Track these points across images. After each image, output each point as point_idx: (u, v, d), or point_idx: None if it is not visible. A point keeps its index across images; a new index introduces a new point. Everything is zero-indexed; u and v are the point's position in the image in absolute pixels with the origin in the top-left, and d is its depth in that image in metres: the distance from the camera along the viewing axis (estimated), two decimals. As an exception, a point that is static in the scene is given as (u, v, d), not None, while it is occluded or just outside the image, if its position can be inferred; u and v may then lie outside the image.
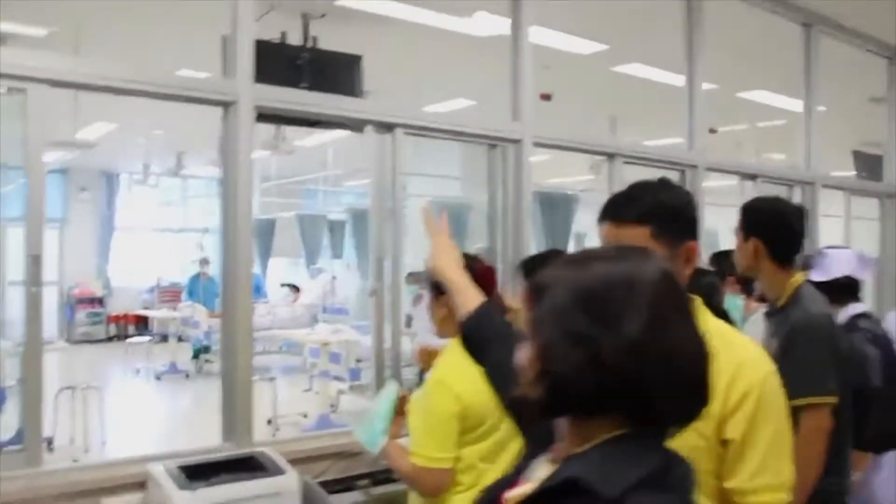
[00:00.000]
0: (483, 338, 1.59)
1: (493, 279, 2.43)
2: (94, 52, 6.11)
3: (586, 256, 1.12)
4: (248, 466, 2.61)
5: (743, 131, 9.38)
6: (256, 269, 12.82)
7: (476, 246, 8.42)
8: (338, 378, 7.73)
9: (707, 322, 1.40)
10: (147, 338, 11.53)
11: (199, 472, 2.50)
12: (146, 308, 13.95)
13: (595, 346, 0.99)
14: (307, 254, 13.31)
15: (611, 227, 1.58)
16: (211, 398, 9.88)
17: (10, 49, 2.45)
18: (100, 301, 14.22)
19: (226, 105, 2.85)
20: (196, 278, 12.13)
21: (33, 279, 2.48)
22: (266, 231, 14.20)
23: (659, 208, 1.57)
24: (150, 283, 14.63)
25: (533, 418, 1.15)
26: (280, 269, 14.28)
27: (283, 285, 13.67)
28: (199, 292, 11.82)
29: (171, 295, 14.20)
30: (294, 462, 2.70)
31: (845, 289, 2.91)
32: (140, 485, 2.58)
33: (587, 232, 12.21)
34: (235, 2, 2.87)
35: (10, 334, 6.64)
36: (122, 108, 7.83)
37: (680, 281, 1.11)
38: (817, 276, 2.86)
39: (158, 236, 15.70)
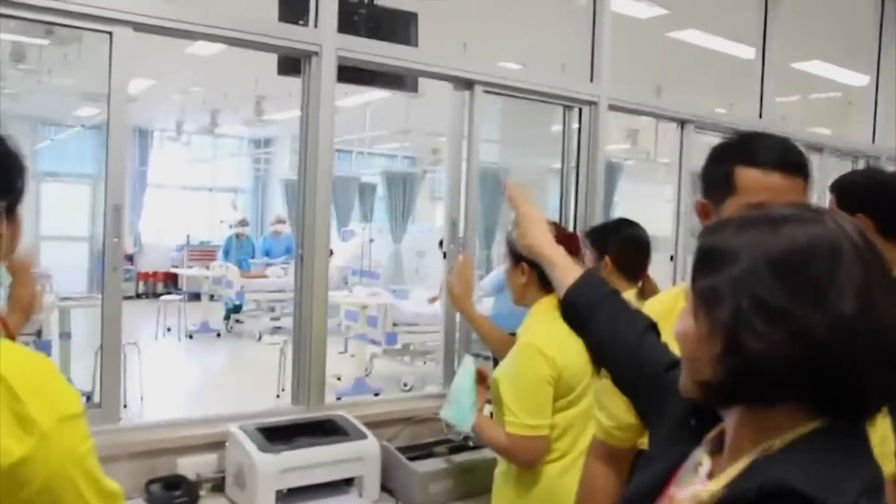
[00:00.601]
0: (588, 307, 1.46)
1: (578, 245, 2.35)
2: None
3: (773, 217, 0.94)
4: (324, 430, 2.54)
5: (791, 104, 9.15)
6: (287, 230, 12.80)
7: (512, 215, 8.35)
8: (373, 342, 7.69)
9: None
10: (179, 296, 11.56)
11: (278, 434, 2.43)
12: (174, 266, 13.98)
13: (799, 323, 0.85)
14: (339, 216, 13.27)
15: (782, 177, 1.41)
16: (243, 358, 9.96)
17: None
18: (130, 258, 14.24)
19: (308, 56, 2.74)
20: (232, 238, 12.15)
21: (114, 230, 2.40)
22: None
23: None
24: (180, 241, 14.64)
25: (712, 403, 1.02)
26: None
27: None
28: (233, 252, 11.84)
29: (200, 253, 14.23)
30: (366, 426, 2.63)
31: None
32: (214, 445, 2.52)
33: (619, 201, 12.14)
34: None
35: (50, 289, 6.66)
36: (160, 65, 7.73)
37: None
38: None
39: (189, 194, 15.69)
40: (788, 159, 1.33)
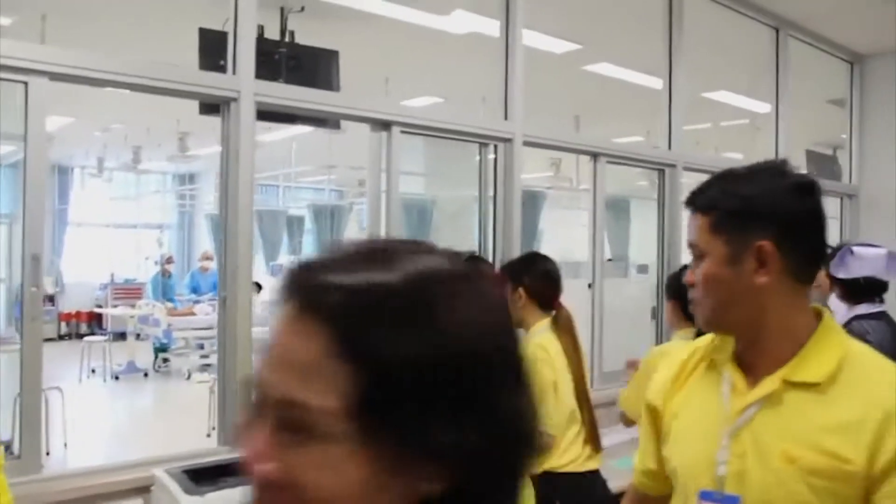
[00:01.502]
0: None
1: (503, 285, 2.46)
2: (57, 41, 5.97)
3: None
4: (252, 469, 2.57)
5: (703, 131, 9.54)
6: (214, 266, 12.67)
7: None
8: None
9: (844, 345, 1.30)
10: (103, 336, 11.30)
11: (204, 476, 2.45)
12: (98, 306, 13.66)
13: None
14: (266, 250, 13.19)
15: (691, 216, 1.44)
16: (172, 397, 9.77)
17: (12, 41, 2.36)
18: (51, 299, 13.84)
19: (227, 101, 2.80)
20: (158, 276, 11.96)
21: (33, 278, 2.41)
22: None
23: None
24: (104, 279, 14.32)
25: None
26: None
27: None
28: (160, 290, 11.66)
29: (125, 292, 13.94)
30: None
31: (863, 289, 2.94)
32: (140, 490, 2.53)
33: (545, 229, 12.39)
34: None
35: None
36: (79, 102, 7.65)
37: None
38: (839, 272, 2.91)
39: (112, 232, 15.38)
40: (690, 198, 1.40)
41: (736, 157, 10.84)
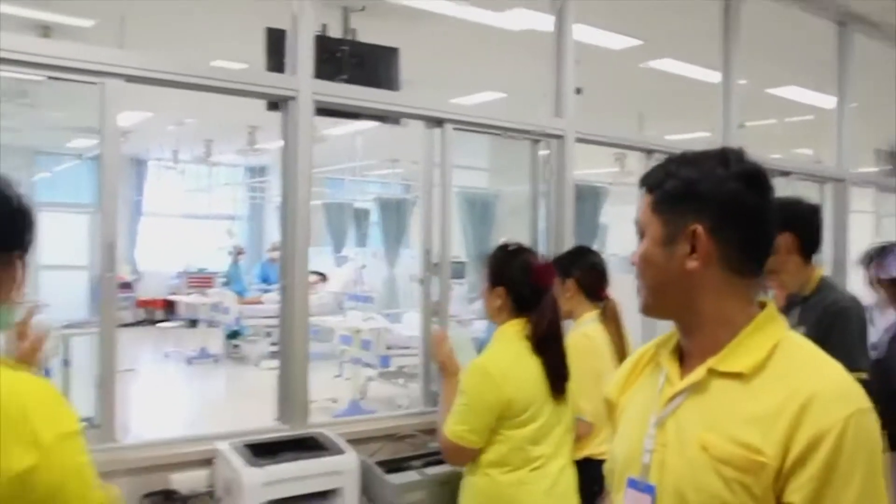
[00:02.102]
0: None
1: (552, 277, 2.54)
2: (136, 42, 6.28)
3: None
4: (308, 446, 2.75)
5: (770, 126, 9.40)
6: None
7: (502, 240, 8.58)
8: (368, 365, 7.87)
9: (779, 335, 1.25)
10: (177, 323, 11.74)
11: (263, 450, 2.63)
12: (172, 293, 14.18)
13: None
14: (333, 242, 13.48)
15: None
16: (241, 382, 10.10)
17: (88, 45, 2.56)
18: (128, 286, 14.38)
19: (286, 100, 2.97)
20: (233, 266, 12.39)
21: (108, 265, 2.62)
22: (293, 219, 14.37)
23: None
24: (178, 268, 14.84)
25: None
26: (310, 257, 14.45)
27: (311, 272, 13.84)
28: (237, 278, 12.09)
29: (198, 280, 14.42)
30: (348, 443, 2.83)
31: None
32: (205, 462, 2.72)
33: (609, 223, 12.35)
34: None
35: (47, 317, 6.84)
36: (155, 98, 7.98)
37: None
38: (882, 273, 2.91)
39: (185, 222, 15.90)
40: (643, 176, 1.37)
41: (806, 153, 10.69)
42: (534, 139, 3.80)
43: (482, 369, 2.37)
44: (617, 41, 6.25)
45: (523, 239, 5.97)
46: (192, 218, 15.93)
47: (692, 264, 1.25)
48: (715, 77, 5.04)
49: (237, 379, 10.42)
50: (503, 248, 2.61)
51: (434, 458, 2.98)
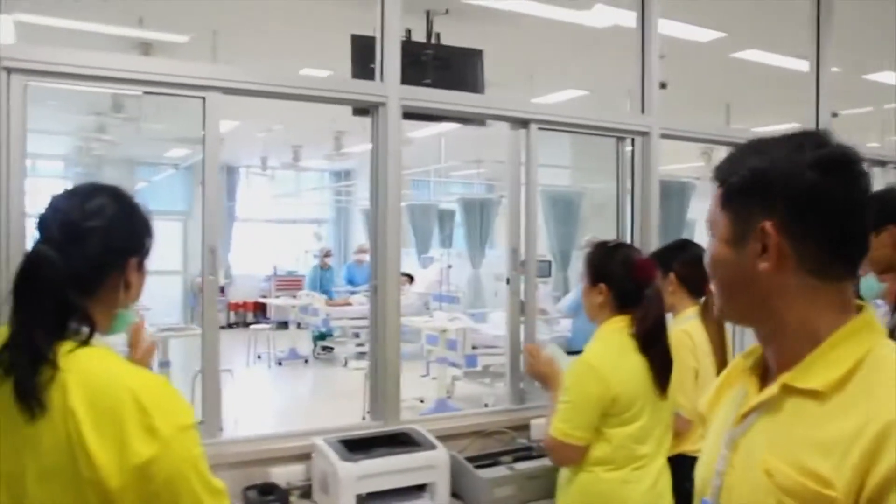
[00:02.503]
0: None
1: (654, 272, 2.53)
2: (229, 54, 6.52)
3: None
4: (400, 441, 2.83)
5: (866, 114, 9.09)
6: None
7: (586, 237, 8.55)
8: (454, 364, 7.96)
9: (866, 348, 1.08)
10: (267, 325, 12.09)
11: (357, 446, 2.72)
12: (263, 296, 14.57)
13: None
14: (418, 243, 13.64)
15: None
16: (330, 382, 10.31)
17: (190, 62, 2.71)
18: (221, 289, 14.77)
19: (375, 106, 3.06)
20: (317, 269, 12.66)
21: (210, 269, 2.75)
22: (378, 221, 14.60)
23: None
24: (268, 272, 15.26)
25: None
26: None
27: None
28: (318, 281, 12.34)
29: (286, 283, 14.80)
30: (437, 439, 2.89)
31: None
32: (302, 457, 2.83)
33: (697, 219, 12.13)
34: (382, 7, 3.08)
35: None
36: (244, 107, 8.26)
37: None
38: None
39: (274, 227, 16.34)
40: (715, 168, 1.23)
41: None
42: (619, 137, 3.80)
43: (587, 364, 2.37)
44: (702, 34, 6.16)
45: (608, 236, 5.93)
46: (280, 222, 16.36)
47: (764, 266, 1.10)
48: (803, 66, 4.90)
49: (326, 379, 10.67)
50: (602, 245, 2.60)
51: (523, 454, 3.03)
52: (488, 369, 8.23)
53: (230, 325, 14.63)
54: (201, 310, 2.81)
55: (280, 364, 10.90)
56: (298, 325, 11.58)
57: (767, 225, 1.09)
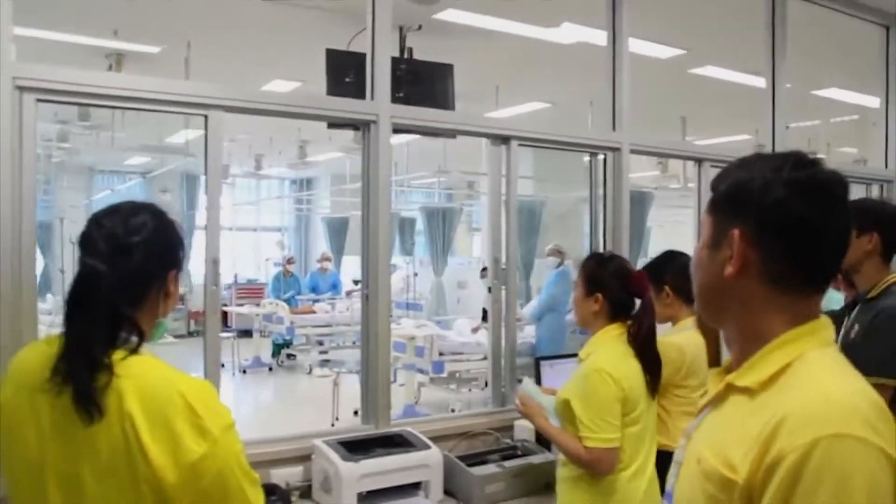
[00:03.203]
0: None
1: (646, 282, 2.66)
2: (199, 66, 6.59)
3: None
4: (395, 443, 2.97)
5: (814, 127, 9.48)
6: (332, 266, 13.34)
7: (549, 246, 8.78)
8: (421, 371, 8.10)
9: (799, 351, 1.16)
10: (230, 333, 12.08)
11: (356, 447, 2.86)
12: (224, 304, 14.52)
13: None
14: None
15: None
16: (297, 389, 10.35)
17: (195, 81, 2.84)
18: (181, 298, 14.69)
19: (367, 123, 3.21)
20: (280, 276, 12.69)
21: (213, 279, 2.87)
22: (339, 229, 14.71)
23: None
24: (228, 280, 15.20)
25: None
26: (353, 266, 14.76)
27: (355, 282, 14.14)
28: (280, 289, 12.38)
29: (247, 291, 14.79)
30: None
31: None
32: (301, 458, 2.96)
33: (652, 226, 12.44)
34: (373, 28, 3.24)
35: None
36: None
37: None
38: None
39: (235, 235, 16.31)
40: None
41: (850, 152, 10.71)
42: (592, 152, 4.00)
43: (601, 371, 2.46)
44: (662, 51, 6.42)
45: (570, 245, 6.10)
46: (240, 230, 16.32)
47: (729, 270, 1.19)
48: (759, 81, 5.15)
49: (291, 387, 10.73)
50: (597, 257, 2.76)
51: (508, 453, 3.20)
52: (454, 375, 8.39)
53: (190, 334, 14.54)
54: (203, 317, 2.92)
55: (244, 372, 10.92)
56: (262, 334, 11.60)
57: (735, 232, 1.18)
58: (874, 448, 1.02)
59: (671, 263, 3.09)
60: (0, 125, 2.49)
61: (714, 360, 2.98)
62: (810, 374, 1.12)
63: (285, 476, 2.92)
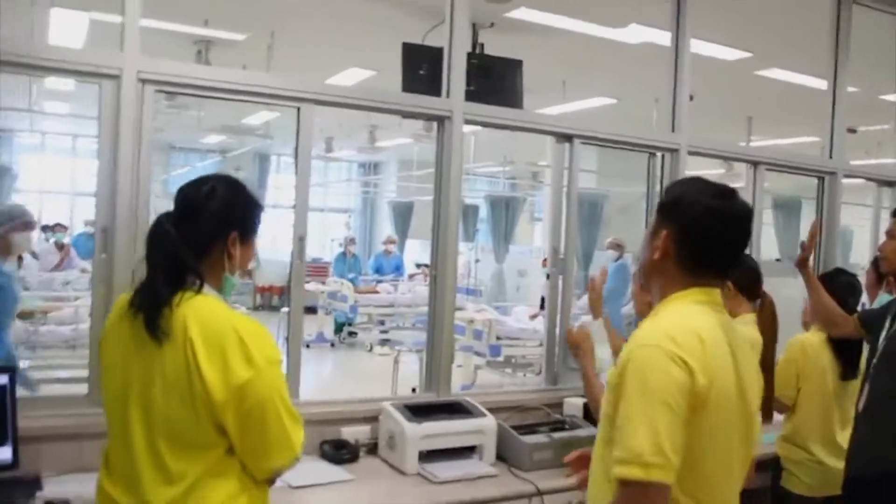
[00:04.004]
0: None
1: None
2: (280, 52, 6.98)
3: None
4: (454, 409, 3.28)
5: (883, 132, 9.43)
6: (396, 249, 13.73)
7: (609, 238, 8.97)
8: (478, 354, 8.40)
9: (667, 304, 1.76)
10: (296, 309, 12.52)
11: (419, 411, 3.17)
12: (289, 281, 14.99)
13: None
14: (440, 235, 14.05)
15: None
16: (358, 366, 10.76)
17: (290, 76, 3.17)
18: (249, 273, 15.28)
19: (442, 119, 3.52)
20: (343, 256, 13.11)
21: (299, 255, 3.22)
22: (404, 213, 15.08)
23: None
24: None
25: None
26: (416, 250, 15.12)
27: (418, 265, 14.51)
28: (344, 269, 12.81)
29: (313, 270, 15.28)
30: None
31: None
32: (369, 419, 3.28)
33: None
34: (451, 27, 3.53)
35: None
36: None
37: None
38: None
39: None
40: None
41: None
42: (651, 152, 4.23)
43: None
44: (729, 53, 6.57)
45: (631, 238, 6.29)
46: (308, 210, 16.81)
47: (656, 255, 1.77)
48: (822, 84, 5.24)
49: (352, 363, 11.15)
50: None
51: (557, 426, 3.47)
52: (510, 360, 8.67)
53: (256, 308, 15.11)
54: (288, 290, 3.26)
55: (307, 346, 11.37)
56: (326, 311, 12.03)
57: (664, 232, 1.76)
58: (667, 352, 1.58)
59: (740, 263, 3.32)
60: (125, 112, 2.86)
61: (768, 359, 3.17)
62: (659, 314, 1.75)
63: (354, 433, 3.25)
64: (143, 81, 2.90)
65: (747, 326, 3.14)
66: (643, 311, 2.90)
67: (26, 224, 4.41)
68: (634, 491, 1.52)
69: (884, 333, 2.95)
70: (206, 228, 1.87)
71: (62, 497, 2.48)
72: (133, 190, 2.89)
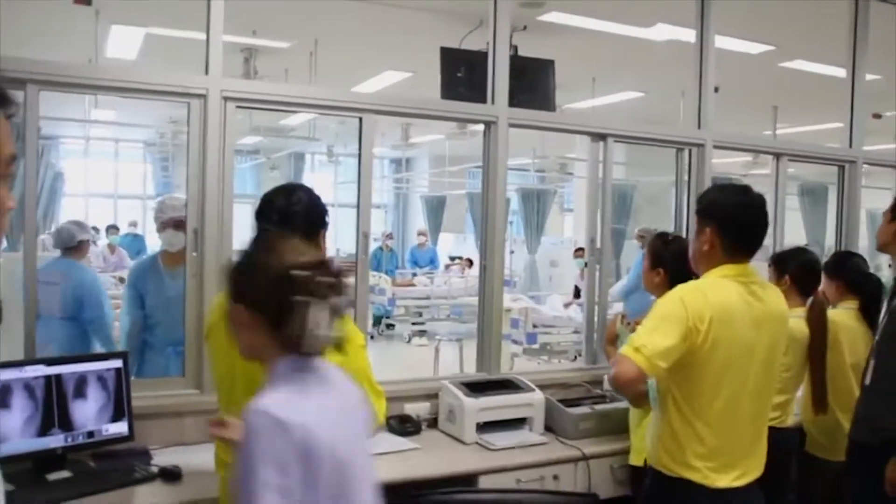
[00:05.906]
0: None
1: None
2: (322, 57, 7.33)
3: None
4: (505, 386, 3.63)
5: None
6: (429, 242, 14.11)
7: (638, 228, 9.24)
8: (515, 341, 8.73)
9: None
10: (333, 302, 12.89)
11: (474, 387, 3.53)
12: (325, 275, 15.37)
13: None
14: (477, 229, 14.41)
15: None
16: (398, 356, 11.15)
17: (353, 89, 3.53)
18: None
19: (488, 124, 3.87)
20: (379, 250, 13.51)
21: (363, 250, 3.59)
22: (437, 207, 15.44)
23: None
24: (331, 252, 16.05)
25: None
26: (449, 243, 15.50)
27: (451, 258, 14.87)
28: (382, 263, 13.21)
29: (347, 265, 15.65)
30: (532, 386, 3.68)
31: None
32: (429, 396, 3.65)
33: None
34: (494, 35, 3.87)
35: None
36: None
37: None
38: None
39: (337, 211, 17.22)
40: None
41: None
42: (678, 148, 4.55)
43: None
44: (753, 48, 6.83)
45: (659, 226, 6.60)
46: (342, 207, 17.23)
47: (705, 248, 2.44)
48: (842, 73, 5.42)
49: (392, 354, 11.52)
50: (662, 236, 3.29)
51: (599, 400, 3.81)
52: (545, 347, 8.99)
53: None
54: (355, 286, 3.62)
55: (347, 339, 11.74)
56: (364, 303, 12.36)
57: (708, 230, 2.43)
58: (680, 297, 2.36)
59: (798, 257, 3.58)
60: (211, 127, 3.24)
61: (817, 353, 3.40)
62: (696, 281, 2.48)
63: (416, 409, 3.62)
64: (226, 99, 3.28)
65: (794, 320, 3.26)
66: (651, 287, 3.20)
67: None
68: (625, 360, 2.27)
69: (884, 308, 3.17)
70: (302, 229, 2.20)
71: (173, 464, 2.88)
72: (219, 195, 3.28)
